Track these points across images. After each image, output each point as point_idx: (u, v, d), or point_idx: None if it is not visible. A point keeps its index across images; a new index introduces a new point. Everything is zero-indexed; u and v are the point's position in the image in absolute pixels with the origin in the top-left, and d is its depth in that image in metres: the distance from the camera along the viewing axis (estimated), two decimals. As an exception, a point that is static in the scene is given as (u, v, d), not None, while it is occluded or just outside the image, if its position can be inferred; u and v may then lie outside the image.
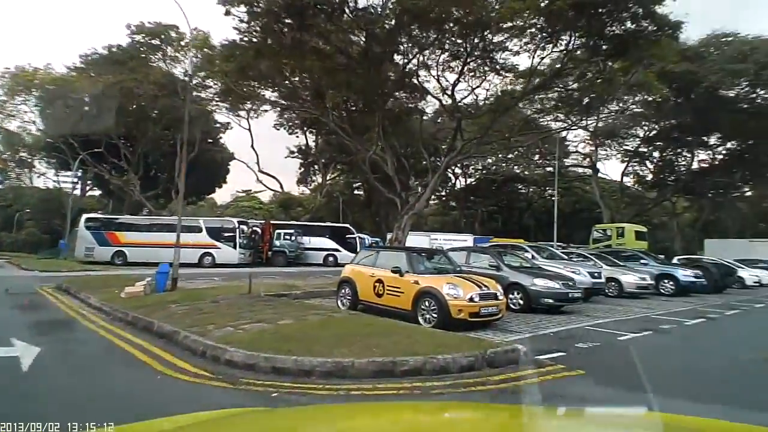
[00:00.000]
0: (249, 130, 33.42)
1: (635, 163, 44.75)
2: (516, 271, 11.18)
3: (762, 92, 25.47)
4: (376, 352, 5.55)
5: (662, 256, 22.86)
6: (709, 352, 7.23)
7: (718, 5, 73.06)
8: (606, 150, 42.23)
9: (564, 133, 37.51)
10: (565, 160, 44.93)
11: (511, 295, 10.72)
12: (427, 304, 8.23)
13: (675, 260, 22.30)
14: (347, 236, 28.70)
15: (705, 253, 33.98)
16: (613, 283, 15.15)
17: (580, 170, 47.92)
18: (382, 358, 5.30)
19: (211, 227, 24.99)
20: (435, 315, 8.06)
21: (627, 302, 13.79)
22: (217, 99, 28.16)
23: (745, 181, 44.32)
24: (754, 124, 28.09)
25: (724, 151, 41.55)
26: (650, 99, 31.45)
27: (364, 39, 16.28)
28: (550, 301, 10.44)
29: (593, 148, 42.18)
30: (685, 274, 17.02)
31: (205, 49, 25.18)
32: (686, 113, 30.93)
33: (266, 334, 6.63)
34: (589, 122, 33.20)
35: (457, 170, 49.72)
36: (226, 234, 24.29)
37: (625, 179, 45.43)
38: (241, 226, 24.76)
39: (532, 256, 14.35)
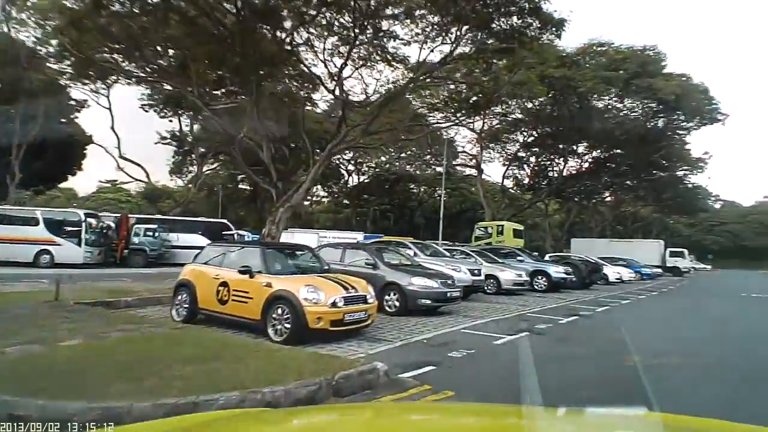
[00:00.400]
0: (109, 109, 28.90)
1: (515, 167, 47.65)
2: (394, 269, 10.16)
3: (629, 102, 28.04)
4: (174, 388, 3.92)
5: (536, 254, 23.96)
6: (585, 358, 6.73)
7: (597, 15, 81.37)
8: (490, 153, 44.32)
9: (452, 134, 38.54)
10: (453, 161, 46.49)
11: (387, 297, 9.68)
12: (279, 311, 6.73)
13: (547, 257, 23.51)
14: (224, 233, 25.96)
15: (571, 252, 37.10)
16: (491, 280, 15.07)
17: (467, 171, 49.88)
18: (176, 399, 3.68)
19: (50, 219, 20.76)
20: (288, 325, 6.59)
21: (504, 300, 13.65)
22: (70, 70, 23.79)
23: (606, 187, 49.64)
24: (617, 134, 31.02)
25: (590, 159, 45.94)
26: (530, 106, 33.48)
27: (238, 5, 14.25)
28: (428, 301, 9.58)
29: (479, 150, 43.99)
30: (556, 271, 17.68)
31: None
32: (561, 121, 33.27)
33: (28, 361, 4.63)
34: (475, 122, 34.35)
35: (351, 167, 49.24)
36: (70, 228, 20.30)
37: (506, 182, 48.36)
38: (89, 220, 20.86)
39: (415, 253, 13.57)
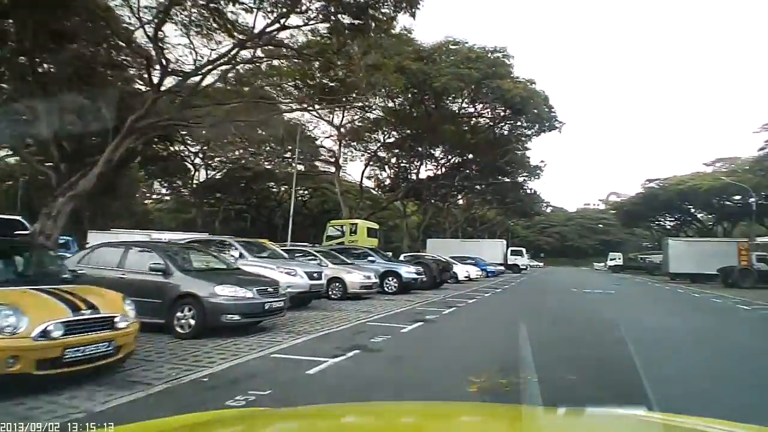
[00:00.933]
0: None
1: (376, 167, 47.52)
2: (193, 276, 7.68)
3: (479, 106, 28.99)
4: None
5: (390, 254, 23.18)
6: (417, 386, 5.13)
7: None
8: (352, 151, 43.38)
9: (311, 128, 36.57)
10: (313, 159, 44.66)
11: (179, 313, 7.19)
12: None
13: (401, 257, 22.91)
14: (18, 232, 20.22)
15: (427, 251, 37.92)
16: (337, 284, 13.38)
17: (330, 169, 48.39)
18: None
19: None
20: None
21: (347, 306, 12.00)
22: None
23: (459, 190, 52.47)
24: (469, 138, 32.18)
25: (446, 163, 47.88)
26: (391, 105, 33.23)
27: None
28: (236, 317, 7.30)
29: (338, 146, 42.75)
30: (407, 271, 16.81)
31: None
32: (419, 122, 33.48)
33: None
34: (334, 116, 32.81)
35: (197, 161, 44.18)
36: None
37: (367, 182, 48.10)
38: None
39: (241, 254, 11.17)
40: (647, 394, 3.59)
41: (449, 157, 46.06)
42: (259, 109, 19.57)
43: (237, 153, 43.91)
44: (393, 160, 46.40)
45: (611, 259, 56.63)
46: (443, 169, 48.34)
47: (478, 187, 51.82)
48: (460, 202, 60.90)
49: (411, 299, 14.42)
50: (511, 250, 42.88)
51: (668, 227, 63.10)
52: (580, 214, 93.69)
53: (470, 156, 43.55)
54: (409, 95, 30.40)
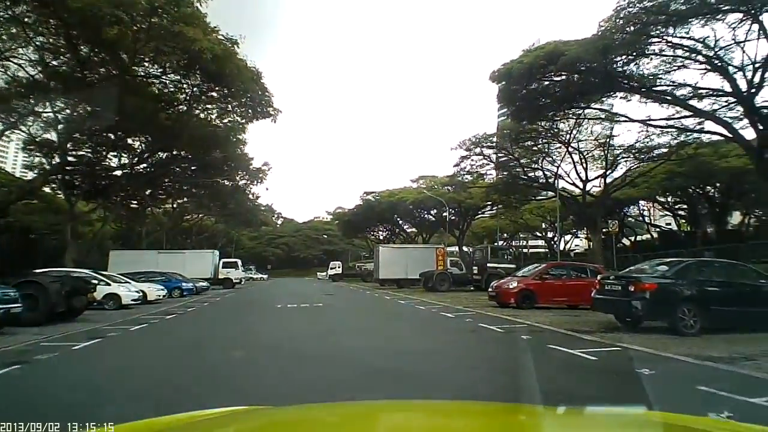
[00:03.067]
0: None
1: (40, 152, 34.59)
2: None
3: (168, 69, 21.61)
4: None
5: None
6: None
7: None
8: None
9: None
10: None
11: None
12: None
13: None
14: None
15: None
16: None
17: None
18: None
19: None
20: None
21: None
22: None
23: (167, 192, 43.77)
24: (165, 120, 24.79)
25: (149, 157, 38.63)
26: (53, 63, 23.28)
27: None
28: None
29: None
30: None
31: None
32: (99, 93, 24.12)
33: None
34: None
35: None
36: None
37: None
38: None
39: None
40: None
41: (153, 149, 37.40)
42: None
43: None
44: (70, 146, 34.58)
45: (331, 268, 57.45)
46: (149, 166, 39.21)
47: (191, 188, 44.36)
48: (169, 206, 51.74)
49: None
50: (223, 263, 37.04)
51: (381, 237, 68.74)
52: (307, 225, 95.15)
53: (181, 153, 36.18)
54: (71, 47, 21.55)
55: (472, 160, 35.33)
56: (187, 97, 22.72)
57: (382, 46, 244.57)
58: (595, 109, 27.54)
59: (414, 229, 60.93)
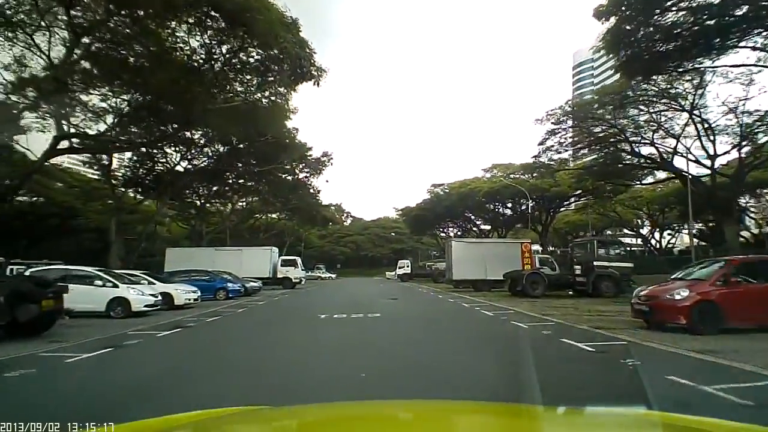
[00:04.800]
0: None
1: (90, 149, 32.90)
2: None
3: (198, 36, 17.70)
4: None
5: None
6: None
7: None
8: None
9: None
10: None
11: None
12: None
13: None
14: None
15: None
16: None
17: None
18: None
19: None
20: None
21: None
22: None
23: (234, 190, 41.42)
24: (198, 93, 21.11)
25: (211, 153, 36.13)
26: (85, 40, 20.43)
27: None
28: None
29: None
30: None
31: None
32: (138, 74, 21.01)
33: None
34: None
35: None
36: None
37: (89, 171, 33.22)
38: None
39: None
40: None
41: (216, 144, 34.77)
42: None
43: None
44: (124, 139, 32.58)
45: (399, 268, 52.19)
46: (210, 161, 36.81)
47: (254, 185, 41.55)
48: (241, 204, 49.57)
49: None
50: (282, 260, 33.22)
51: (451, 234, 62.75)
52: (375, 223, 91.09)
53: (240, 144, 33.09)
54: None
55: (561, 137, 28.61)
56: (219, 62, 18.58)
57: (447, 26, 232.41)
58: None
59: (487, 226, 54.38)
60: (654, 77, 22.26)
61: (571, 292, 21.12)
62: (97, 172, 35.10)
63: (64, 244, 37.58)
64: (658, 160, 26.50)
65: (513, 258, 24.86)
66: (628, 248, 30.82)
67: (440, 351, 7.51)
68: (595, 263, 19.71)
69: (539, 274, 20.43)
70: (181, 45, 17.97)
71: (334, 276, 63.22)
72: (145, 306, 13.47)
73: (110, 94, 24.59)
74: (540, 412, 1.62)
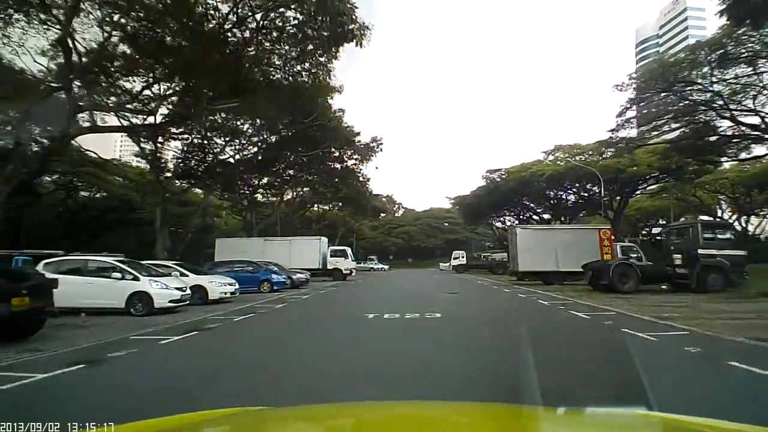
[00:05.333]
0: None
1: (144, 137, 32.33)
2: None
3: None
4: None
5: None
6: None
7: None
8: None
9: None
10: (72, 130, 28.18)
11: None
12: None
13: None
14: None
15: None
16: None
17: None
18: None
19: None
20: None
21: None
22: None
23: (285, 181, 40.19)
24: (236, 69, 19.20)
25: (259, 142, 34.89)
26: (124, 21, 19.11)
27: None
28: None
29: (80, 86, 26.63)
30: None
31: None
32: (179, 56, 19.32)
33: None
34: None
35: None
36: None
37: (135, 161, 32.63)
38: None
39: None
40: None
41: (265, 134, 33.42)
42: None
43: None
44: (174, 129, 31.78)
45: (455, 258, 49.00)
46: (259, 151, 35.65)
47: (304, 175, 40.04)
48: (290, 196, 48.43)
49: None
50: (332, 251, 31.21)
51: (509, 224, 58.57)
52: (427, 213, 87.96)
53: (285, 130, 31.49)
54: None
55: (643, 107, 24.30)
56: (252, 28, 16.43)
57: (504, 2, 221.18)
58: None
59: (546, 215, 49.84)
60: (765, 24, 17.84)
61: (664, 287, 17.43)
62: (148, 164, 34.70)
63: (124, 237, 37.76)
64: (763, 126, 21.66)
65: (589, 247, 21.32)
66: (738, 232, 25.86)
67: (561, 394, 4.59)
68: (699, 252, 15.90)
69: (630, 264, 16.86)
70: (212, 12, 15.98)
71: (386, 267, 61.08)
72: (170, 301, 11.60)
73: (151, 78, 23.33)
74: (540, 413, 1.62)
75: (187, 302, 12.43)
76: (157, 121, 23.59)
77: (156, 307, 11.29)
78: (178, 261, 18.75)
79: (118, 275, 11.36)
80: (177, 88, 23.35)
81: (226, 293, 14.66)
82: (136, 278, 11.40)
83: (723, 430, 1.42)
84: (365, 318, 10.21)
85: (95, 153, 31.81)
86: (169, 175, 33.40)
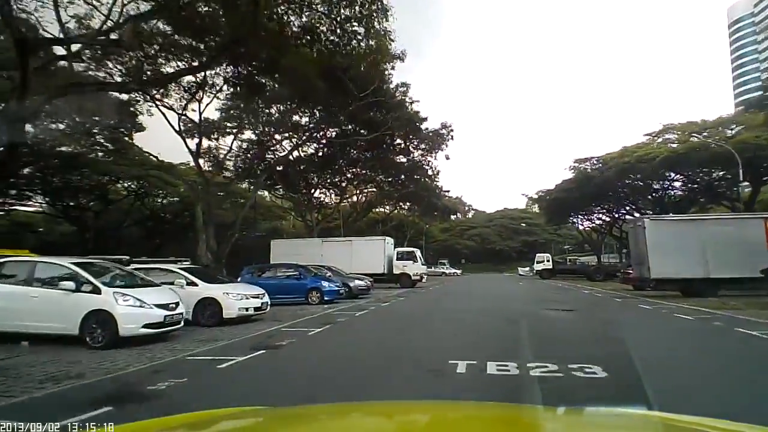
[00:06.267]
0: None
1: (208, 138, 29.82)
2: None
3: None
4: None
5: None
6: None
7: None
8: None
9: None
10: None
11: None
12: None
13: None
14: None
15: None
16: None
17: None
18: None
19: None
20: None
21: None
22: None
23: (350, 180, 36.43)
24: (307, 53, 15.17)
25: (321, 138, 31.38)
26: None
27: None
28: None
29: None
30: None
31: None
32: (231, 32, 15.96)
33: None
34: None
35: None
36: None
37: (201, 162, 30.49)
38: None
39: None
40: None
41: (323, 127, 29.70)
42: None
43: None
44: (229, 124, 28.95)
45: (538, 262, 41.68)
46: (320, 148, 32.18)
47: (368, 173, 35.95)
48: (356, 197, 44.67)
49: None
50: (398, 253, 26.29)
51: (597, 224, 50.22)
52: (501, 213, 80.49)
53: (350, 126, 27.63)
54: None
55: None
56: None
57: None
58: None
59: (650, 212, 41.30)
60: None
61: None
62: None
63: (193, 241, 36.01)
64: None
65: (755, 243, 14.70)
66: None
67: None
68: None
69: None
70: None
71: (458, 272, 55.15)
72: (146, 326, 7.43)
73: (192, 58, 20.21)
74: (540, 413, 1.60)
75: (179, 324, 8.23)
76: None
77: (122, 335, 7.19)
78: (215, 264, 15.14)
79: (70, 285, 7.40)
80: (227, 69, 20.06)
81: (247, 309, 10.35)
82: (95, 291, 7.38)
83: (723, 430, 1.36)
84: (453, 374, 5.25)
85: (155, 157, 29.59)
86: (228, 174, 30.86)
